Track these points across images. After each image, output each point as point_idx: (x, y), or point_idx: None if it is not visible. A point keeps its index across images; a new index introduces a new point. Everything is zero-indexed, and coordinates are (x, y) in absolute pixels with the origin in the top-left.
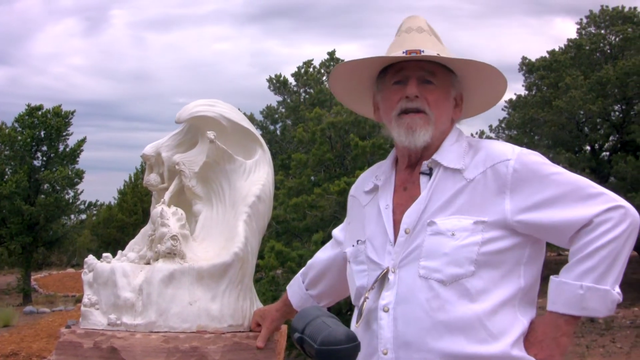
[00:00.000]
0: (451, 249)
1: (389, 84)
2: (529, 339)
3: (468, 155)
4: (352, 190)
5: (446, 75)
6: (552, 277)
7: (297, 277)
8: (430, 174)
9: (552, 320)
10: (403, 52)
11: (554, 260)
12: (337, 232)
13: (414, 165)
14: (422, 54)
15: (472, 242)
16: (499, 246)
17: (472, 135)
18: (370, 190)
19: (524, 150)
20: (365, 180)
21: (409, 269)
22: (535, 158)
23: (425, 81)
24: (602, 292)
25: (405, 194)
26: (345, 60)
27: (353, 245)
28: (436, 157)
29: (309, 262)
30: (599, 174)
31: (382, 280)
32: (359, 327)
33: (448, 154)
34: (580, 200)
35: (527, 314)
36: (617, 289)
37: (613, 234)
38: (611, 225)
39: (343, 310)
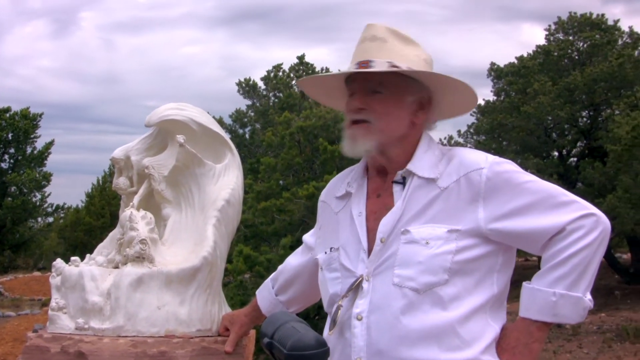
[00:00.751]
0: (425, 257)
1: (348, 95)
2: (501, 345)
3: (441, 164)
4: (323, 196)
5: (399, 82)
6: (524, 284)
7: (267, 283)
8: (403, 183)
9: (524, 326)
10: (356, 65)
11: (522, 266)
12: (307, 237)
13: (386, 173)
14: (371, 65)
15: (446, 250)
16: (473, 254)
17: (440, 140)
18: (342, 197)
19: (497, 158)
20: (336, 185)
21: (383, 277)
22: (508, 167)
23: (374, 91)
24: (574, 299)
25: (378, 202)
26: (313, 66)
27: (326, 252)
28: (410, 166)
29: (279, 267)
30: (567, 179)
31: (356, 288)
32: (332, 335)
33: (421, 163)
34: (552, 208)
35: (498, 320)
36: (589, 296)
37: (585, 241)
38: (583, 233)
39: (311, 315)
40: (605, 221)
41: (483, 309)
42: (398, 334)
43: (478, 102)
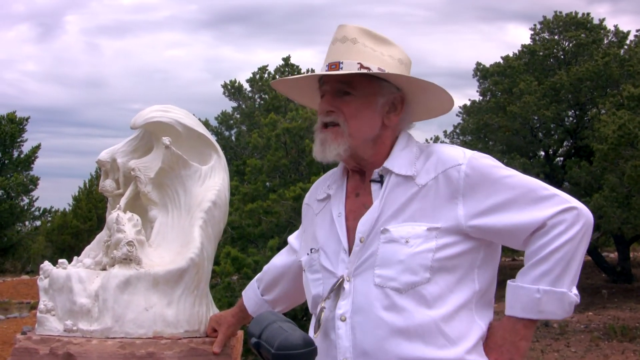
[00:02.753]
0: (405, 256)
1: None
2: (488, 344)
3: (419, 161)
4: (306, 199)
5: (368, 83)
6: (508, 282)
7: (253, 283)
8: (381, 182)
9: (510, 324)
10: (326, 66)
11: (509, 266)
12: (292, 239)
13: (364, 172)
14: (341, 66)
15: (426, 248)
16: (453, 251)
17: (426, 140)
18: (324, 199)
19: (476, 153)
20: (318, 188)
21: (364, 277)
22: (486, 161)
23: (344, 93)
24: (558, 294)
25: (357, 201)
26: (299, 67)
27: (307, 254)
28: (387, 164)
29: (265, 267)
30: (553, 179)
31: (337, 289)
32: (317, 337)
33: (398, 161)
34: (532, 203)
35: (485, 317)
36: (574, 290)
37: (567, 236)
38: (564, 228)
39: (299, 315)
40: (587, 214)
41: (468, 306)
42: (383, 334)
43: (464, 103)
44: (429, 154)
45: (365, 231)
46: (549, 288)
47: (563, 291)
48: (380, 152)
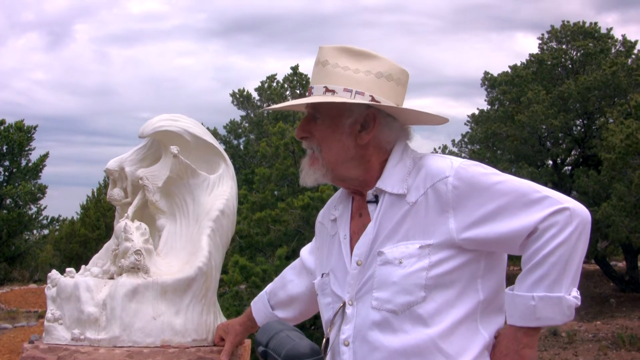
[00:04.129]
0: (399, 277)
1: None
2: (494, 354)
3: (411, 177)
4: (320, 217)
5: (332, 106)
6: (506, 291)
7: (263, 296)
8: (377, 201)
9: (511, 333)
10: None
11: (516, 274)
12: (305, 254)
13: (362, 193)
14: (312, 92)
15: (419, 267)
16: (449, 267)
17: (434, 150)
18: (333, 220)
19: (464, 162)
20: (330, 207)
21: (364, 301)
22: (474, 170)
23: (315, 117)
24: (555, 299)
25: (359, 221)
26: (308, 76)
27: (320, 277)
28: (379, 184)
29: (277, 281)
30: (561, 188)
31: (342, 313)
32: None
33: (391, 179)
34: (523, 208)
35: (492, 325)
36: (574, 293)
37: (560, 238)
38: (557, 230)
39: (307, 324)
40: (581, 212)
41: (471, 318)
42: (381, 357)
43: (472, 112)
44: (419, 168)
45: (362, 254)
46: (544, 294)
47: (559, 296)
48: (370, 170)
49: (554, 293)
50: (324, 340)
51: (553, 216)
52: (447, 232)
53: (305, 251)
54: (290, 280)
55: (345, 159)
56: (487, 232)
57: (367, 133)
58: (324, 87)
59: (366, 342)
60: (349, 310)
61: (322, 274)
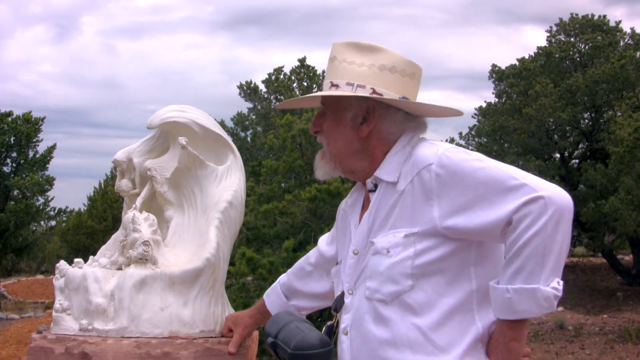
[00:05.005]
0: (385, 267)
1: None
2: (489, 347)
3: (405, 165)
4: (343, 204)
5: (336, 100)
6: (490, 283)
7: (276, 287)
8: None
9: (499, 327)
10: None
11: None
12: (322, 244)
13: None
14: (322, 87)
15: (404, 256)
16: (435, 255)
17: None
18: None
19: (448, 149)
20: (349, 195)
21: (359, 290)
22: (456, 157)
23: (324, 112)
24: (530, 291)
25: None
26: (315, 69)
27: (336, 265)
28: (377, 172)
29: (291, 272)
30: (569, 181)
31: (342, 302)
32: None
33: (387, 167)
34: (499, 196)
35: (490, 315)
36: (554, 284)
37: (534, 228)
38: (530, 220)
39: (314, 316)
40: (557, 200)
41: (465, 307)
42: (373, 347)
43: (479, 105)
44: (410, 155)
45: (358, 244)
46: (519, 286)
47: (535, 287)
48: (374, 162)
49: (529, 285)
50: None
51: (526, 206)
52: (431, 220)
53: (322, 241)
54: (306, 271)
55: (350, 151)
56: (465, 222)
57: (367, 125)
58: (329, 82)
59: (360, 332)
60: (347, 299)
61: (337, 262)
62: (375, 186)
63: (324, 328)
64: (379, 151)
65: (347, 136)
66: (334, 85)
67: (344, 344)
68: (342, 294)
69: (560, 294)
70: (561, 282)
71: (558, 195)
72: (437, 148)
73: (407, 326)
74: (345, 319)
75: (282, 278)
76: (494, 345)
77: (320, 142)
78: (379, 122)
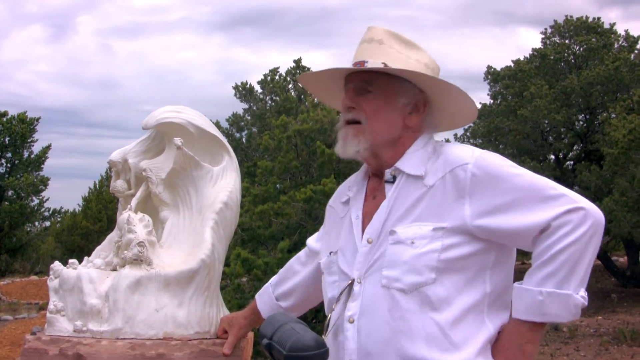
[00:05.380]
0: (410, 257)
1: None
2: (496, 347)
3: (430, 161)
4: (331, 201)
5: (390, 83)
6: (515, 284)
7: (267, 288)
8: (394, 182)
9: (515, 327)
10: (352, 65)
11: (518, 269)
12: (312, 242)
13: (381, 174)
14: (366, 65)
15: (431, 249)
16: (460, 252)
17: None
18: (346, 202)
19: (484, 153)
20: (342, 190)
21: (373, 279)
22: (494, 160)
23: (365, 91)
24: (563, 297)
25: (373, 203)
26: (311, 69)
27: (327, 256)
28: (399, 164)
29: (281, 272)
30: (563, 182)
31: (348, 291)
32: (326, 338)
33: (410, 161)
34: (538, 203)
35: (498, 319)
36: (582, 293)
37: (572, 237)
38: (570, 228)
39: (309, 318)
40: (595, 214)
41: (478, 309)
42: (386, 336)
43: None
44: (439, 153)
45: (374, 232)
46: (553, 290)
47: (568, 293)
48: (398, 153)
49: (562, 290)
50: (327, 320)
51: (567, 214)
52: (461, 217)
53: (312, 239)
54: (295, 270)
55: (390, 137)
56: (499, 223)
57: (417, 116)
58: (382, 62)
59: (373, 320)
60: (356, 287)
61: (330, 252)
62: (394, 177)
63: (326, 321)
64: (406, 144)
65: (393, 120)
66: (388, 67)
67: (348, 331)
68: (352, 282)
69: (586, 303)
70: (586, 293)
71: (595, 209)
72: (472, 150)
73: (425, 319)
74: (351, 307)
75: (274, 278)
76: (504, 346)
77: (350, 118)
78: (425, 116)
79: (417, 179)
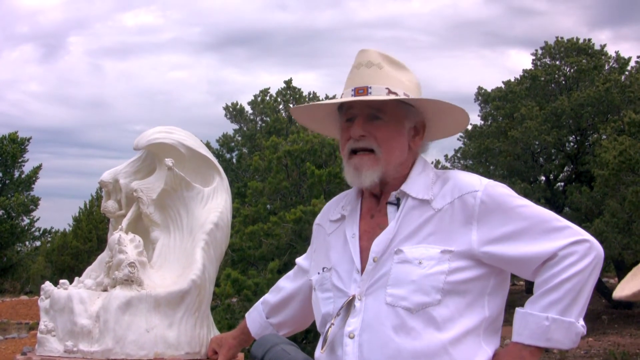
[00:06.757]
0: (418, 276)
1: (342, 121)
2: None
3: (435, 186)
4: (318, 219)
5: (397, 108)
6: (517, 309)
7: (257, 305)
8: (398, 204)
9: (516, 351)
10: (352, 90)
11: (516, 292)
12: (301, 260)
13: (379, 194)
14: (369, 91)
15: (439, 270)
16: (465, 276)
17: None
18: (337, 220)
19: (492, 182)
20: (330, 209)
21: (376, 296)
22: (502, 190)
23: (374, 117)
24: (566, 324)
25: (372, 222)
26: (301, 90)
27: (319, 273)
28: (404, 187)
29: (271, 290)
30: (554, 204)
31: (348, 307)
32: (323, 353)
33: (415, 185)
34: (545, 234)
35: (492, 344)
36: (582, 322)
37: (578, 267)
38: (576, 259)
39: (299, 338)
40: (598, 248)
41: (476, 332)
42: (390, 353)
43: (465, 128)
44: (445, 179)
45: (379, 251)
46: (558, 317)
47: (571, 321)
48: (401, 175)
49: (565, 317)
50: (324, 335)
51: (574, 245)
52: (468, 242)
53: (300, 258)
54: (284, 287)
55: (400, 161)
56: (506, 250)
57: (420, 138)
58: (386, 88)
59: (376, 337)
60: (357, 304)
61: (323, 269)
62: (398, 200)
63: (321, 338)
64: (408, 166)
65: (402, 145)
66: (392, 92)
67: (348, 346)
68: (352, 298)
69: (585, 332)
70: (585, 323)
71: (597, 244)
72: (481, 178)
73: (429, 337)
74: (352, 323)
75: (264, 297)
76: None
77: (361, 147)
78: (423, 139)
79: (424, 203)
